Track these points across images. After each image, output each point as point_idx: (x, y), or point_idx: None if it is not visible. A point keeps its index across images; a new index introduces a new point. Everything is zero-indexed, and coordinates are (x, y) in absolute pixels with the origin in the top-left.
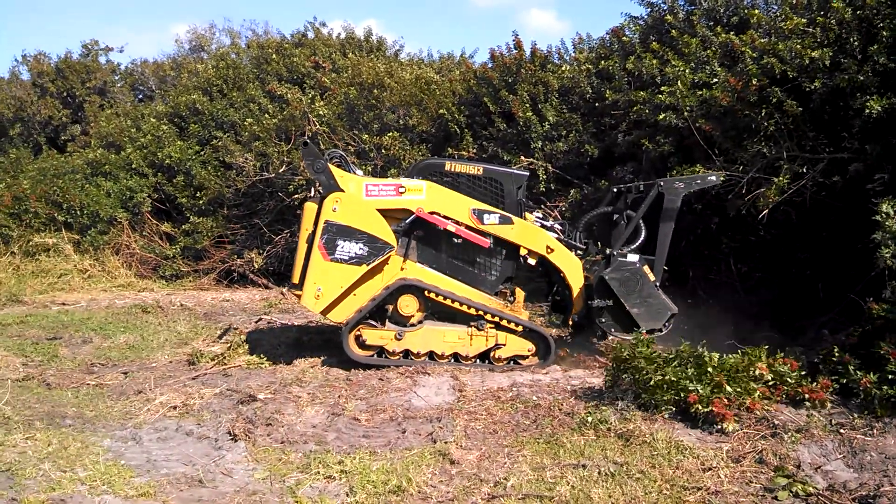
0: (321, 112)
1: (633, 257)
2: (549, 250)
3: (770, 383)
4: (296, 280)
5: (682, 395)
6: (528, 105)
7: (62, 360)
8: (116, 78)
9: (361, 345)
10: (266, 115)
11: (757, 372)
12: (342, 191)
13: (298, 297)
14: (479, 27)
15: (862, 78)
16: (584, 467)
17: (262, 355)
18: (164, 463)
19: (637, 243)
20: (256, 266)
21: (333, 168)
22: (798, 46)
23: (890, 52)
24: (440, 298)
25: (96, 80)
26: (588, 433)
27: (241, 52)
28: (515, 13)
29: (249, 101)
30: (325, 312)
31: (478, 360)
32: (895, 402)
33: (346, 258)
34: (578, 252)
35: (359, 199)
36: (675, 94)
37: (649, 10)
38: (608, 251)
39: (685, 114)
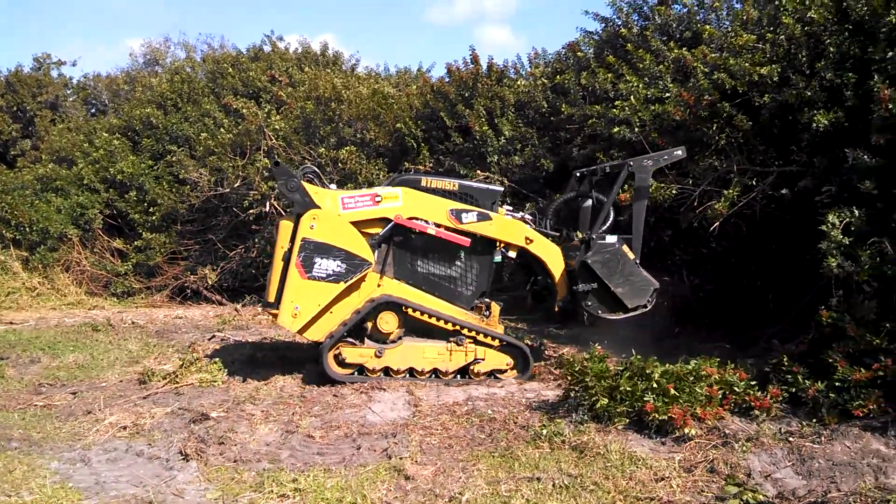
0: (277, 126)
1: (612, 238)
2: (528, 241)
3: (720, 393)
4: (271, 299)
5: (637, 406)
6: (484, 119)
7: (9, 381)
8: (69, 92)
9: (341, 363)
10: (221, 130)
11: (707, 381)
12: (318, 207)
13: (274, 316)
14: (435, 43)
15: (809, 93)
16: (539, 480)
17: (215, 373)
18: (113, 485)
19: (608, 224)
20: (210, 282)
21: (307, 185)
22: (748, 63)
23: (836, 67)
24: (420, 315)
25: (48, 94)
26: (543, 446)
27: (196, 66)
28: (471, 29)
29: (204, 115)
30: (301, 331)
31: (458, 376)
32: (843, 410)
33: (324, 276)
34: (553, 239)
35: (336, 214)
36: (628, 108)
37: (604, 24)
38: (587, 235)
39: (637, 129)
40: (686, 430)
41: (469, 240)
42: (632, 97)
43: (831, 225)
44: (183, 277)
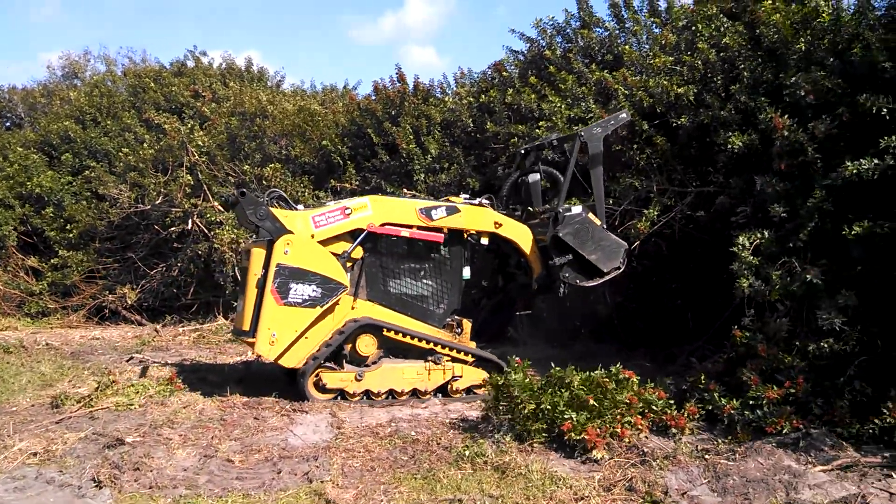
0: (200, 142)
1: (577, 209)
2: (497, 225)
3: (639, 410)
4: (245, 327)
5: (557, 423)
6: (411, 137)
7: None
8: None
9: (322, 389)
10: (143, 145)
11: (627, 388)
12: (291, 233)
13: (251, 344)
14: (361, 62)
15: (724, 115)
16: (461, 502)
17: (132, 396)
18: None
19: (560, 198)
20: (130, 302)
21: (276, 211)
22: (665, 82)
23: (750, 91)
24: (398, 335)
25: None
26: (465, 467)
27: (116, 80)
28: (396, 49)
29: (125, 130)
30: (278, 359)
31: (438, 394)
32: (757, 427)
33: (300, 301)
34: (517, 219)
35: (309, 236)
36: (552, 128)
37: (528, 45)
38: (554, 210)
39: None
40: (596, 453)
41: (442, 235)
42: (555, 117)
43: (742, 246)
44: (101, 297)
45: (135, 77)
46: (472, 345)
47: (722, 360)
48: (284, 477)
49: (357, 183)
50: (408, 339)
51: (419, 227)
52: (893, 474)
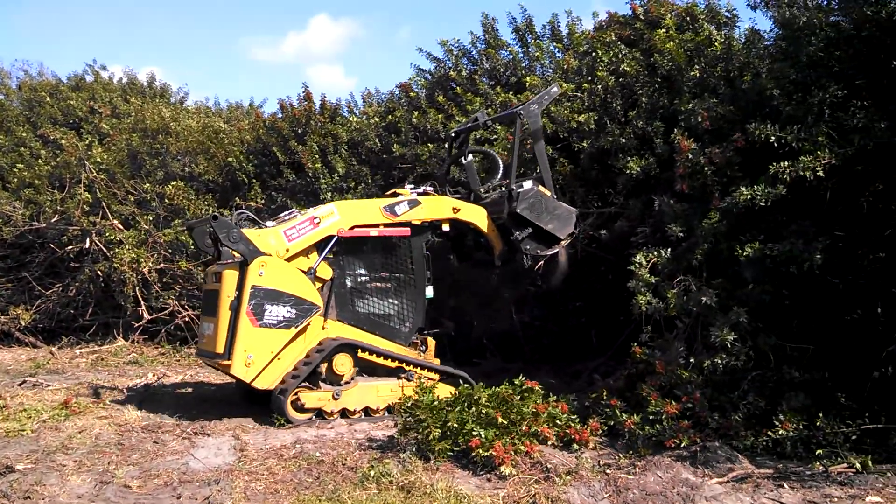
0: (99, 159)
1: (528, 183)
2: (455, 211)
3: (545, 421)
4: (220, 350)
5: (464, 441)
6: (317, 156)
7: None
8: None
9: (300, 409)
10: (38, 161)
11: (533, 399)
12: (265, 254)
13: (226, 367)
14: (267, 81)
15: (624, 140)
16: None
17: (24, 421)
18: None
19: (498, 175)
20: (24, 323)
21: (249, 232)
22: (566, 111)
23: (648, 117)
24: (371, 355)
25: None
26: (370, 487)
27: (10, 94)
28: (302, 68)
29: (19, 144)
30: (254, 380)
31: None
32: (657, 441)
33: (275, 322)
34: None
35: (284, 250)
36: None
37: (435, 65)
38: (508, 188)
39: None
40: (504, 469)
41: (409, 230)
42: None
43: (639, 264)
44: None
45: (30, 91)
46: (437, 361)
47: (623, 377)
48: (185, 502)
49: (263, 202)
50: (380, 359)
51: (385, 225)
52: (785, 484)
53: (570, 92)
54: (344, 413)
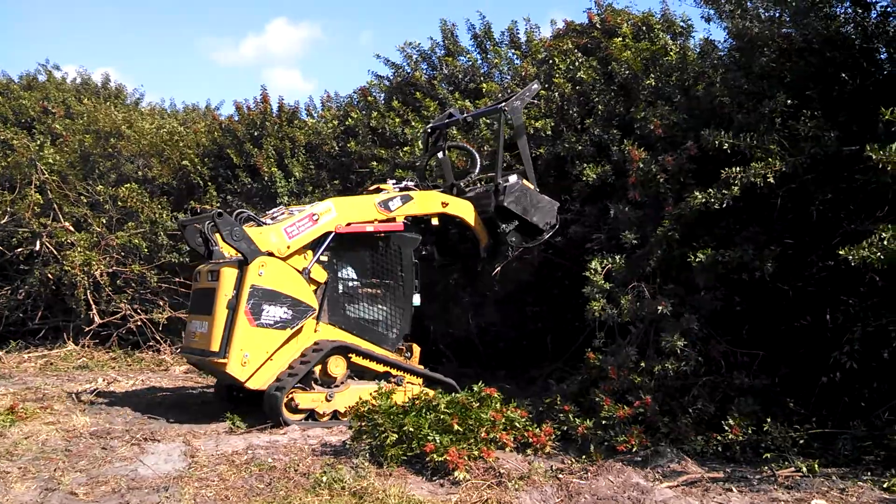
0: (51, 159)
1: (513, 178)
2: (444, 205)
3: (503, 426)
4: (215, 348)
5: (418, 446)
6: (273, 160)
7: None
8: None
9: (293, 409)
10: None
11: (491, 406)
12: (265, 254)
13: (221, 365)
14: (224, 84)
15: (580, 147)
16: None
17: None
18: None
19: (476, 170)
20: None
21: (250, 230)
22: (524, 117)
23: (604, 124)
24: (362, 358)
25: None
26: (322, 493)
27: None
28: (260, 71)
29: None
30: (248, 380)
31: None
32: (609, 446)
33: (272, 323)
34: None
35: (285, 247)
36: (415, 153)
37: (394, 70)
38: (495, 182)
39: (426, 173)
40: (458, 474)
41: (403, 224)
42: (419, 142)
43: (594, 271)
44: None
45: None
46: (421, 368)
47: (577, 382)
48: None
49: (218, 204)
50: (371, 363)
51: (380, 221)
52: (733, 488)
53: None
54: (335, 415)
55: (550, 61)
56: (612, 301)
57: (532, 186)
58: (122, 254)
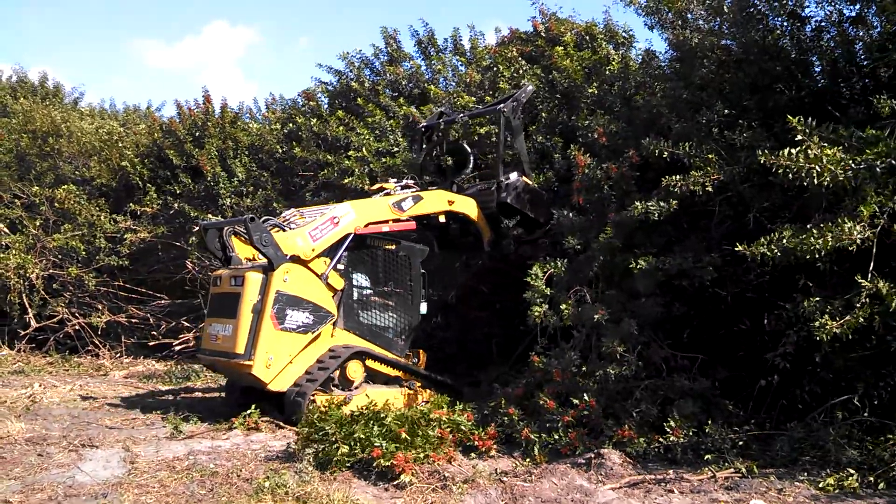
0: None
1: (514, 175)
2: (450, 203)
3: (451, 434)
4: (240, 350)
5: (365, 451)
6: (216, 160)
7: None
8: None
9: None
10: None
11: (437, 424)
12: (290, 261)
13: (247, 367)
14: (163, 85)
15: (497, 160)
16: None
17: None
18: None
19: (468, 168)
20: None
21: (277, 236)
22: (469, 121)
23: (547, 131)
24: (376, 363)
25: None
26: (265, 498)
27: None
28: (199, 72)
29: None
30: (271, 381)
31: None
32: (553, 449)
33: (294, 327)
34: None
35: (309, 253)
36: (361, 159)
37: (337, 77)
38: (497, 180)
39: (365, 181)
40: (404, 478)
41: (415, 224)
42: (363, 149)
43: (535, 276)
44: None
45: None
46: (428, 372)
47: (521, 385)
48: None
49: (158, 206)
50: (383, 367)
51: (394, 221)
52: (675, 489)
53: (471, 104)
54: None
55: (495, 68)
56: (554, 306)
57: (531, 182)
58: (59, 257)
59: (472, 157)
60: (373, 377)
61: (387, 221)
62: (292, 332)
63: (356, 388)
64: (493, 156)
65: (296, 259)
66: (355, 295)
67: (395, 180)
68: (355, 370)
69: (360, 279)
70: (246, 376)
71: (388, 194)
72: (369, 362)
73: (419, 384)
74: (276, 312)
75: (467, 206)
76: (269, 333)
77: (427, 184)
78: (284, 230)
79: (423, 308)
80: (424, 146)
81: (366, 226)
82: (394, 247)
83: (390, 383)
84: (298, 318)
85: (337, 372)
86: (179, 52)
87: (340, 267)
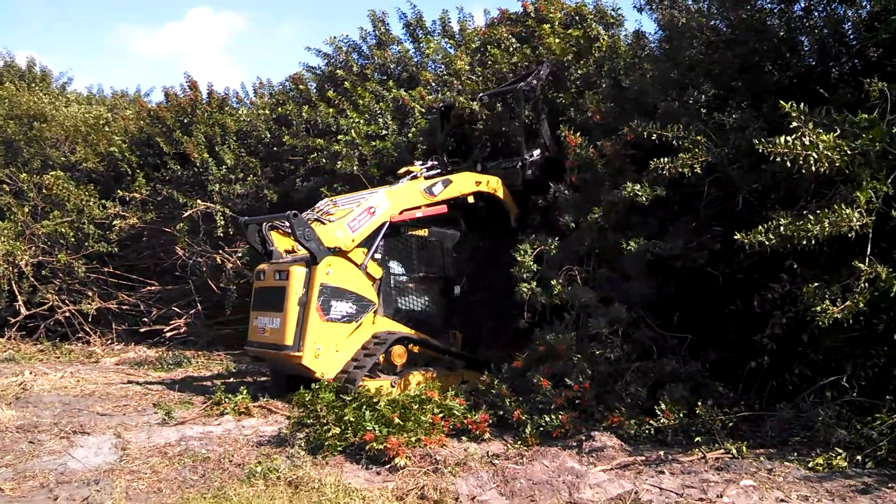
0: None
1: (536, 152)
2: (478, 184)
3: (442, 418)
4: (289, 342)
5: (358, 434)
6: (203, 146)
7: None
8: None
9: None
10: None
11: (430, 409)
12: (332, 254)
13: (297, 358)
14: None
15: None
16: None
17: None
18: None
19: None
20: None
21: (318, 230)
22: (461, 99)
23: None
24: (418, 347)
25: None
26: (257, 483)
27: None
28: (185, 57)
29: None
30: (319, 368)
31: None
32: (544, 431)
33: (339, 317)
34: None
35: (349, 244)
36: (351, 143)
37: (325, 61)
38: (521, 158)
39: (357, 164)
40: (398, 461)
41: (446, 207)
42: (353, 132)
43: (523, 252)
44: None
45: None
46: (464, 353)
47: (514, 367)
48: (62, 503)
49: (147, 192)
50: (423, 350)
51: (427, 206)
52: (666, 471)
53: (464, 71)
54: None
55: (484, 50)
56: (543, 284)
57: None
58: (49, 243)
59: (522, 135)
60: (414, 360)
61: (419, 207)
62: (337, 322)
63: (400, 371)
64: (513, 133)
65: (336, 251)
66: (392, 282)
67: (420, 163)
68: (399, 355)
69: (397, 266)
70: (295, 366)
71: (415, 177)
72: (411, 347)
73: (461, 364)
74: (322, 304)
75: (494, 185)
76: (316, 325)
77: (451, 164)
78: (323, 223)
79: (457, 290)
80: (444, 126)
81: (400, 213)
82: (425, 233)
83: (430, 365)
84: (342, 309)
85: (381, 357)
86: (163, 36)
87: (377, 257)
